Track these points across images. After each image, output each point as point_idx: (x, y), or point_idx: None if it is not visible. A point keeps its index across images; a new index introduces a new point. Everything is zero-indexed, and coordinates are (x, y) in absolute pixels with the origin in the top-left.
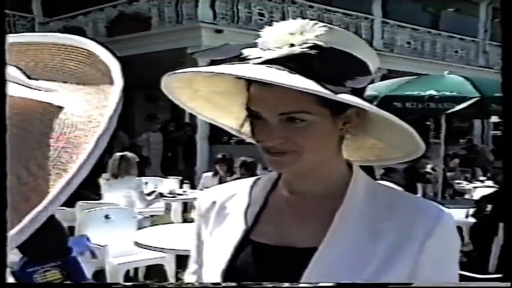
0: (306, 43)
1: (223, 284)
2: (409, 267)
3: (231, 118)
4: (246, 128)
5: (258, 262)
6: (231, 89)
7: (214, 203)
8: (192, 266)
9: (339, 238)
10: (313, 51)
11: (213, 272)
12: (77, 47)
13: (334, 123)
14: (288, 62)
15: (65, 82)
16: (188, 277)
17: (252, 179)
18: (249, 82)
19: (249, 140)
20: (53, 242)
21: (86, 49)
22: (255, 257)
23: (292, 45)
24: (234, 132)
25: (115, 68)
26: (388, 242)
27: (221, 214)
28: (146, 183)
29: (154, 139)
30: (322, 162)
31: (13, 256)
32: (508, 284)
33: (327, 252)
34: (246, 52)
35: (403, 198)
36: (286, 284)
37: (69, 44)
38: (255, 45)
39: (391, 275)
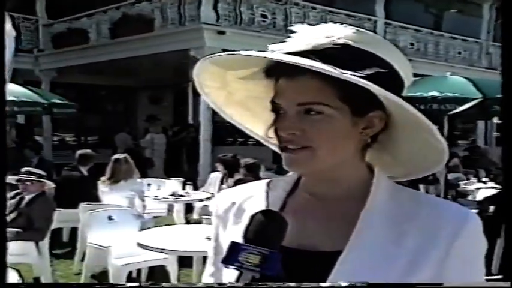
0: (331, 41)
1: (228, 284)
2: (435, 268)
3: (266, 127)
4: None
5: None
6: (262, 93)
7: (233, 203)
8: (209, 267)
9: (362, 241)
10: (337, 46)
11: (231, 274)
12: None
13: (354, 124)
14: (314, 54)
15: None
16: (206, 279)
17: (271, 180)
18: (277, 79)
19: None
20: (270, 233)
21: None
22: None
23: (317, 42)
24: (266, 143)
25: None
26: (413, 243)
27: (239, 215)
28: (149, 184)
29: (157, 140)
30: (339, 163)
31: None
32: (508, 284)
33: (351, 256)
34: (273, 47)
35: (427, 200)
36: (292, 284)
37: None
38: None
39: (417, 277)
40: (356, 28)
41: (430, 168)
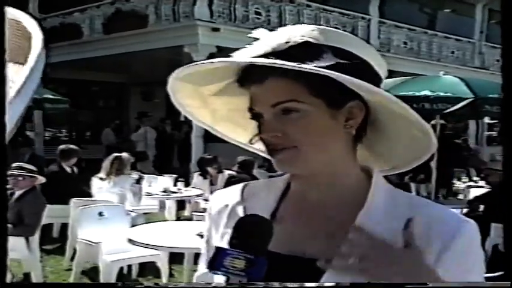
0: (291, 41)
1: (213, 284)
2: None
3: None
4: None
5: (267, 270)
6: (242, 105)
7: (226, 205)
8: (202, 266)
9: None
10: (298, 45)
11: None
12: (13, 20)
13: (333, 117)
14: (275, 55)
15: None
16: (198, 279)
17: (264, 181)
18: (249, 87)
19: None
20: (256, 237)
21: (16, 20)
22: None
23: (277, 43)
24: (263, 154)
25: (36, 34)
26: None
27: (232, 217)
28: (140, 177)
29: (150, 135)
30: (330, 164)
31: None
32: (508, 284)
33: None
34: (236, 54)
35: (424, 207)
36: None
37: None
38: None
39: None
40: (316, 27)
41: (421, 156)
